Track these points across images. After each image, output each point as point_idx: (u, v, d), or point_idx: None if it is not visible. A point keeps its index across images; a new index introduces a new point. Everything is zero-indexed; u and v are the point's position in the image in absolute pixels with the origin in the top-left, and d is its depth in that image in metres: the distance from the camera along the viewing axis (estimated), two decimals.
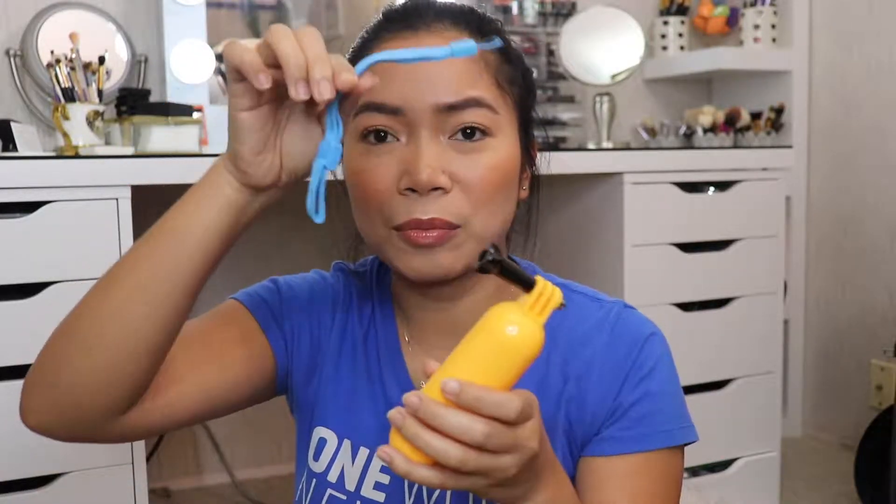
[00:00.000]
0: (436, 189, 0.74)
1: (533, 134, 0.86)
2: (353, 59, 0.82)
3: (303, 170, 0.69)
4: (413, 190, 0.74)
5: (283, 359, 0.87)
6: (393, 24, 0.81)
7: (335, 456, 0.85)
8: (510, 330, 0.60)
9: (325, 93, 0.61)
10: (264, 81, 0.62)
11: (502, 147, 0.78)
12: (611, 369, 0.81)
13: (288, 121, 0.69)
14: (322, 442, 0.86)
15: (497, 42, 0.72)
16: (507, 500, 0.67)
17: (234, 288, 0.90)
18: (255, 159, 0.67)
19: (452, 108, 0.75)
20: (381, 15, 0.83)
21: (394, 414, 0.61)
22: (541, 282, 0.61)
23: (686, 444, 0.83)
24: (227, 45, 0.65)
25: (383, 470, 0.83)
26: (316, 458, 0.86)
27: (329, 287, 0.90)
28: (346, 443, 0.85)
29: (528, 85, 0.84)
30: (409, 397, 0.60)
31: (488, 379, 0.60)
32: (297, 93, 0.61)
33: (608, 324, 0.83)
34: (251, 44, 0.65)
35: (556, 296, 0.62)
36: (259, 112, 0.66)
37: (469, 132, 0.76)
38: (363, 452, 0.84)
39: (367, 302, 0.89)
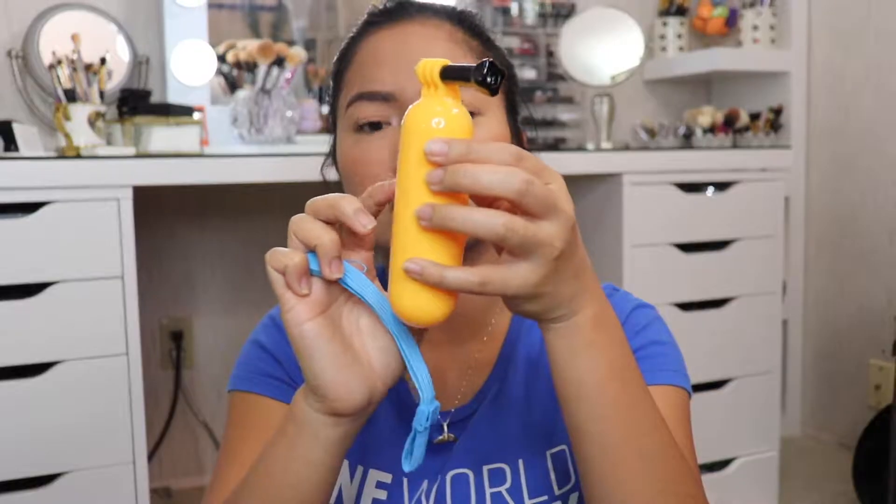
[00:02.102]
0: None
1: (519, 124, 0.86)
2: (341, 59, 0.83)
3: (401, 365, 0.61)
4: None
5: None
6: (377, 19, 0.82)
7: None
8: (436, 123, 0.54)
9: (367, 223, 0.56)
10: (334, 271, 0.57)
11: (492, 125, 0.78)
12: None
13: (360, 317, 0.62)
14: None
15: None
16: (560, 306, 0.58)
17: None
18: (339, 381, 0.59)
19: None
20: (365, 15, 0.84)
21: (423, 209, 0.53)
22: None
23: (689, 396, 0.84)
24: (269, 254, 0.58)
25: (379, 486, 0.83)
26: None
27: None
28: (344, 462, 0.84)
29: (510, 73, 0.86)
30: (432, 174, 0.53)
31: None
32: (361, 224, 0.56)
33: None
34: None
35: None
36: (325, 318, 0.59)
37: None
38: (359, 470, 0.83)
39: None
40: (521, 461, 0.82)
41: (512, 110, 0.84)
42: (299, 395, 0.63)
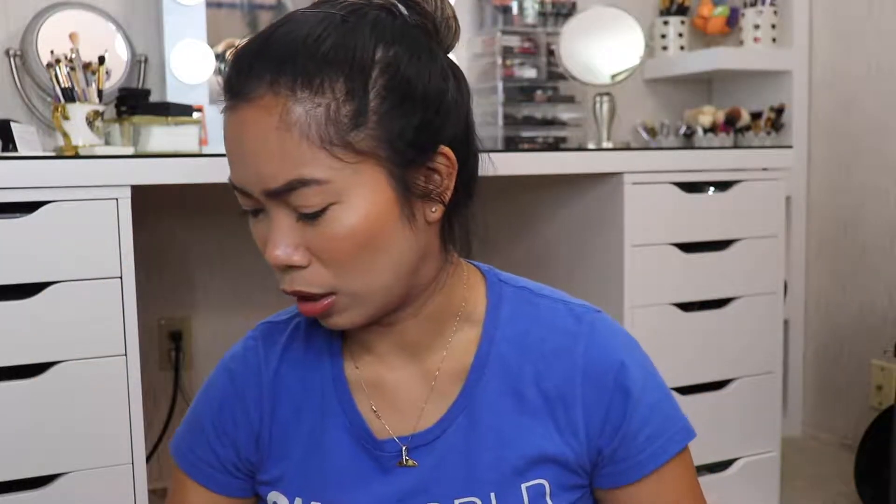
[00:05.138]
0: (293, 266, 0.72)
1: (434, 150, 0.73)
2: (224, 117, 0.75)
3: None
4: None
5: (248, 478, 0.88)
6: (224, 87, 0.73)
7: None
8: None
9: None
10: None
11: (354, 209, 0.70)
12: (595, 401, 0.79)
13: None
14: None
15: None
16: None
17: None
18: None
19: (278, 193, 0.70)
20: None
21: None
22: None
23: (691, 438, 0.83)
24: None
25: None
26: None
27: (244, 374, 0.87)
28: (298, 501, 0.83)
29: (408, 104, 0.71)
30: None
31: None
32: None
33: (582, 337, 0.80)
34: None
35: None
36: None
37: (306, 214, 0.70)
38: None
39: (296, 350, 0.86)
40: (493, 494, 0.78)
41: (404, 155, 0.71)
42: None
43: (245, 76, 0.70)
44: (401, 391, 0.82)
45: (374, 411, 0.82)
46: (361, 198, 0.70)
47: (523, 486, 0.78)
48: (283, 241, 0.71)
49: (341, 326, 0.76)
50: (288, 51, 0.69)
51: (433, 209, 0.75)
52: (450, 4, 0.78)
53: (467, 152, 0.78)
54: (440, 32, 0.77)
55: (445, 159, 0.74)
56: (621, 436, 0.79)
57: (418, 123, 0.72)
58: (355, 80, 0.69)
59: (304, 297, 0.74)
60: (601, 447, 0.79)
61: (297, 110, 0.68)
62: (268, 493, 0.86)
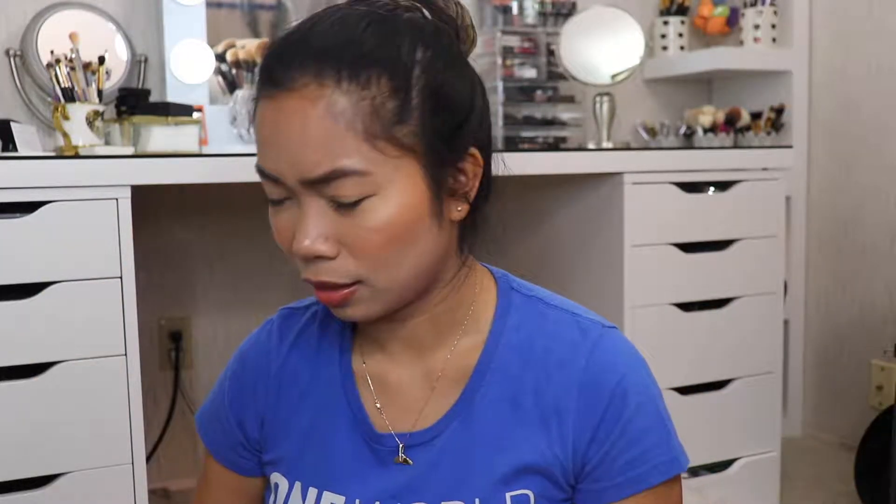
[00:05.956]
0: (320, 257, 0.73)
1: (465, 151, 0.76)
2: (255, 105, 0.75)
3: None
4: None
5: (256, 458, 0.91)
6: (263, 76, 0.73)
7: (287, 500, 0.84)
8: None
9: None
10: None
11: (390, 202, 0.71)
12: (587, 417, 0.78)
13: None
14: (275, 487, 0.86)
15: None
16: None
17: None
18: None
19: (316, 182, 0.70)
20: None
21: None
22: None
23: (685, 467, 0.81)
24: None
25: None
26: None
27: (256, 357, 0.90)
28: (297, 485, 0.84)
29: (445, 104, 0.73)
30: None
31: None
32: None
33: (584, 351, 0.80)
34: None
35: None
36: None
37: (342, 203, 0.71)
38: (312, 492, 0.82)
39: (309, 338, 0.88)
40: (477, 500, 0.78)
41: (436, 155, 0.73)
42: None
43: (287, 66, 0.71)
44: (403, 389, 0.83)
45: (377, 406, 0.83)
46: (398, 191, 0.71)
47: (508, 494, 0.78)
48: (314, 230, 0.71)
49: (356, 318, 0.77)
50: (333, 44, 0.71)
51: (459, 208, 0.77)
52: (468, 13, 0.80)
53: (488, 156, 0.80)
54: (460, 38, 0.79)
55: (473, 160, 0.76)
56: (603, 454, 0.78)
57: (455, 124, 0.74)
58: (399, 78, 0.71)
59: (325, 286, 0.74)
60: (585, 463, 0.79)
61: (343, 102, 0.69)
62: (270, 474, 0.88)
